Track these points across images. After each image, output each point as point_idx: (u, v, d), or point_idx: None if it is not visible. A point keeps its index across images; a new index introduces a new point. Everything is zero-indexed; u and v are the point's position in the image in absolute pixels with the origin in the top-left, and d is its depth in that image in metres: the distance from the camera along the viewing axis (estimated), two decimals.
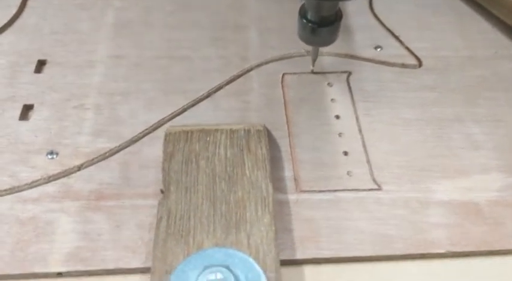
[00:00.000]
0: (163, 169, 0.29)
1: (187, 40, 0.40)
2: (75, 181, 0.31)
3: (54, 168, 0.31)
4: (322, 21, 0.31)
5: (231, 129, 0.31)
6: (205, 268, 0.24)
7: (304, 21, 0.32)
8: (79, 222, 0.29)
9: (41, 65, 0.38)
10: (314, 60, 0.37)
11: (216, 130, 0.31)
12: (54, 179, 0.31)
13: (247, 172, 0.29)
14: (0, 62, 0.38)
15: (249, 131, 0.31)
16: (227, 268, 0.24)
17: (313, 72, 0.38)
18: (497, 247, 0.29)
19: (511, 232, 0.30)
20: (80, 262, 0.28)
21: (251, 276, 0.24)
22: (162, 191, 0.28)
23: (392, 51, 0.40)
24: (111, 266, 0.27)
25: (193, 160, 0.30)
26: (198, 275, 0.24)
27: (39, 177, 0.31)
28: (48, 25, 0.41)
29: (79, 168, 0.32)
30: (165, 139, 0.31)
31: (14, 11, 0.41)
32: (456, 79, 0.38)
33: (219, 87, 0.37)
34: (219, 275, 0.23)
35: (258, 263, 0.25)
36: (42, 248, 0.28)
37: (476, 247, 0.29)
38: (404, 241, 0.29)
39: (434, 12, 0.43)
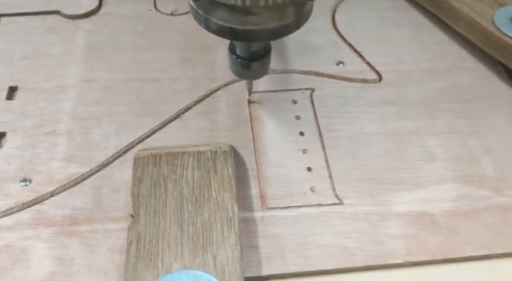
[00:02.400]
0: (132, 194, 0.30)
1: (157, 61, 0.41)
2: (48, 207, 0.32)
3: (28, 195, 0.33)
4: (252, 56, 0.32)
5: (198, 152, 0.33)
6: None
7: (234, 56, 0.32)
8: (53, 248, 0.30)
9: (12, 91, 0.39)
10: (250, 91, 0.37)
11: (184, 153, 0.33)
12: (28, 206, 0.32)
13: (213, 193, 0.31)
14: None
15: (215, 152, 0.33)
16: None
17: (249, 101, 0.38)
18: (451, 255, 0.31)
19: (465, 240, 0.31)
20: None
21: None
22: (132, 216, 0.30)
23: (354, 66, 0.42)
24: None
25: (162, 183, 0.31)
26: None
27: (13, 205, 0.32)
28: (19, 50, 0.41)
29: (52, 194, 0.33)
30: (134, 164, 0.32)
31: None
32: (415, 92, 0.40)
33: (188, 108, 0.38)
34: None
35: None
36: (18, 275, 0.29)
37: (432, 256, 0.31)
38: (364, 253, 0.31)
39: (395, 27, 0.45)
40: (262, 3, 0.25)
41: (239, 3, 0.25)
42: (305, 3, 0.28)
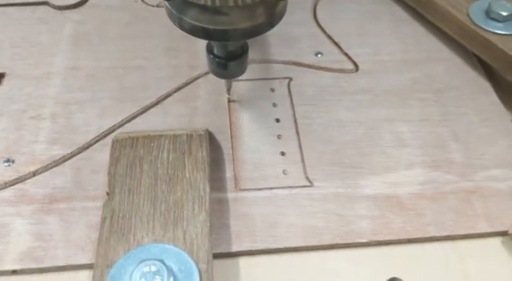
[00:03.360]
0: (109, 173, 0.32)
1: (141, 50, 0.43)
2: (30, 186, 0.33)
3: (10, 175, 0.34)
4: (229, 56, 0.32)
5: (174, 135, 0.34)
6: (141, 261, 0.26)
7: (211, 56, 0.32)
8: (33, 224, 0.32)
9: (0, 77, 0.40)
10: (229, 90, 0.38)
11: (160, 136, 0.34)
12: (11, 185, 0.33)
13: (187, 173, 0.32)
14: None
15: (191, 136, 0.34)
16: (161, 261, 0.26)
17: (229, 100, 0.39)
18: (415, 236, 0.32)
19: (429, 221, 0.33)
20: (33, 260, 0.30)
21: (184, 268, 0.27)
22: (107, 194, 0.31)
23: (332, 57, 0.43)
24: (61, 263, 0.30)
25: (138, 163, 0.32)
26: (134, 268, 0.26)
27: None
28: (8, 39, 0.43)
29: (34, 174, 0.34)
30: (112, 146, 0.33)
31: None
32: (390, 82, 0.41)
33: (168, 95, 0.39)
34: (153, 268, 0.26)
35: (192, 256, 0.28)
36: None
37: (396, 235, 0.32)
38: (331, 232, 0.32)
39: (374, 19, 0.46)
40: (231, 3, 0.26)
41: (209, 3, 0.26)
42: (277, 3, 0.28)
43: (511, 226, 0.32)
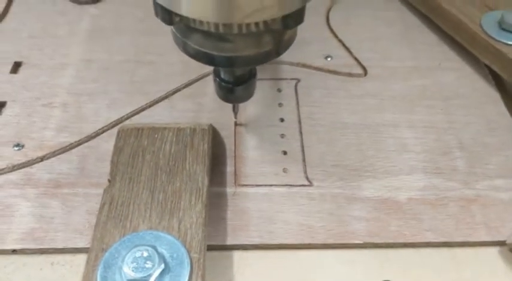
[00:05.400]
0: (111, 161, 0.32)
1: (154, 46, 0.44)
2: (36, 171, 0.35)
3: (19, 158, 0.35)
4: (236, 81, 0.31)
5: (178, 128, 0.35)
6: (135, 247, 0.27)
7: (218, 80, 0.32)
8: (36, 206, 0.33)
9: (17, 66, 0.41)
10: (236, 113, 0.37)
11: (165, 128, 0.35)
12: (18, 168, 0.35)
13: (187, 166, 0.32)
14: None
15: (194, 129, 0.35)
16: (154, 247, 0.27)
17: (236, 124, 0.38)
18: (411, 240, 0.32)
19: (427, 227, 0.33)
20: (33, 241, 0.31)
21: (176, 256, 0.27)
22: (109, 181, 0.32)
23: (342, 61, 0.43)
24: (60, 245, 0.31)
25: (140, 153, 0.33)
26: (127, 253, 0.27)
27: (5, 166, 0.34)
28: (27, 30, 0.45)
29: (41, 159, 0.35)
30: (118, 135, 0.34)
31: None
32: (398, 88, 0.41)
33: (177, 90, 0.40)
34: (145, 253, 0.27)
35: (185, 245, 0.28)
36: (1, 229, 0.31)
37: (392, 239, 0.32)
38: (326, 231, 0.32)
39: (387, 26, 0.47)
40: (235, 30, 0.24)
41: (213, 29, 0.24)
42: (284, 32, 0.27)
43: (510, 236, 0.32)
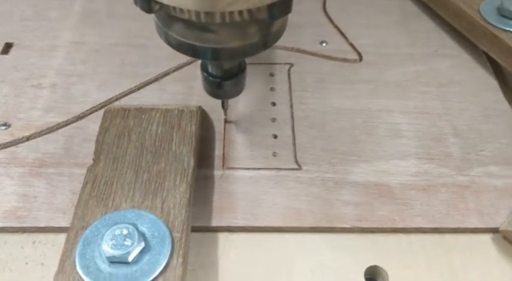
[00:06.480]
0: (96, 141, 0.32)
1: (145, 30, 0.43)
2: (22, 150, 0.34)
3: (5, 138, 0.35)
4: (224, 75, 0.30)
5: (166, 109, 0.34)
6: (115, 224, 0.26)
7: (206, 75, 0.30)
8: (20, 185, 0.32)
9: (8, 47, 0.41)
10: (225, 110, 0.35)
11: (152, 109, 0.34)
12: (4, 148, 0.34)
13: (173, 146, 0.32)
14: None
15: (182, 111, 0.34)
16: (134, 225, 0.26)
17: (226, 121, 0.36)
18: (401, 225, 0.31)
19: (417, 212, 0.32)
20: (16, 219, 0.31)
21: (157, 234, 0.27)
22: (93, 160, 0.31)
23: (337, 46, 0.42)
24: (42, 224, 0.30)
25: (126, 134, 0.32)
26: (107, 230, 0.26)
27: None
28: (20, 12, 0.44)
29: (27, 138, 0.35)
30: (104, 115, 0.34)
31: None
32: (393, 74, 0.40)
33: (167, 73, 0.40)
34: (125, 231, 0.26)
35: (167, 224, 0.28)
36: None
37: (381, 224, 0.31)
38: (314, 215, 0.31)
39: (384, 12, 0.46)
40: (218, 20, 0.23)
41: (194, 18, 0.23)
42: (271, 23, 0.25)
43: (503, 224, 0.31)
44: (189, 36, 0.25)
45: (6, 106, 0.37)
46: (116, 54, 0.41)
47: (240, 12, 0.23)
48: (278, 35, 0.27)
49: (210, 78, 0.30)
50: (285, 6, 0.23)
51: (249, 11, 0.23)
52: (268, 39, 0.26)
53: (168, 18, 0.25)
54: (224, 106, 0.35)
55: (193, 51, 0.26)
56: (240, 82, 0.31)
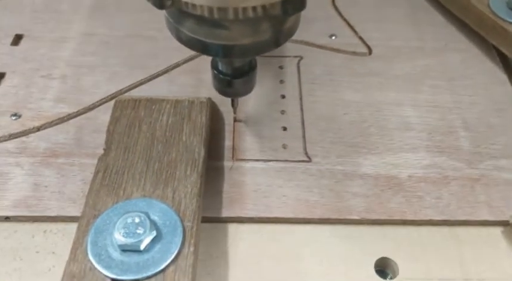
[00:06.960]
0: (107, 131, 0.32)
1: (155, 22, 0.43)
2: (32, 140, 0.34)
3: (16, 128, 0.35)
4: (235, 73, 0.29)
5: (176, 100, 0.34)
6: (127, 212, 0.27)
7: (216, 72, 0.30)
8: (31, 175, 0.32)
9: (18, 38, 0.41)
10: (235, 109, 0.35)
11: (162, 100, 0.34)
12: (15, 137, 0.34)
13: (184, 137, 0.32)
14: None
15: (192, 102, 0.34)
16: (146, 214, 0.26)
17: (235, 119, 0.36)
18: (411, 218, 0.31)
19: (428, 205, 0.32)
20: (27, 208, 0.31)
21: (169, 223, 0.27)
22: (104, 150, 0.31)
23: (346, 40, 0.42)
24: (53, 214, 0.31)
25: (137, 124, 0.32)
26: (119, 219, 0.26)
27: (1, 135, 0.34)
28: (31, 4, 0.44)
29: (38, 129, 0.35)
30: (115, 105, 0.34)
31: None
32: (402, 67, 0.40)
33: (177, 65, 0.40)
34: (137, 219, 0.26)
35: (178, 213, 0.28)
36: None
37: (390, 216, 0.31)
38: (323, 206, 0.31)
39: (393, 6, 0.46)
40: (231, 16, 0.22)
41: (206, 14, 0.22)
42: (284, 19, 0.25)
43: None
44: (200, 32, 0.25)
45: (16, 97, 0.37)
46: (125, 45, 0.41)
47: (254, 8, 0.22)
48: (290, 32, 0.26)
49: (220, 76, 0.30)
50: (299, 2, 0.23)
51: (263, 7, 0.22)
52: (280, 36, 0.26)
53: (180, 14, 0.25)
54: (234, 105, 0.34)
55: (204, 48, 0.25)
56: (251, 81, 0.30)
